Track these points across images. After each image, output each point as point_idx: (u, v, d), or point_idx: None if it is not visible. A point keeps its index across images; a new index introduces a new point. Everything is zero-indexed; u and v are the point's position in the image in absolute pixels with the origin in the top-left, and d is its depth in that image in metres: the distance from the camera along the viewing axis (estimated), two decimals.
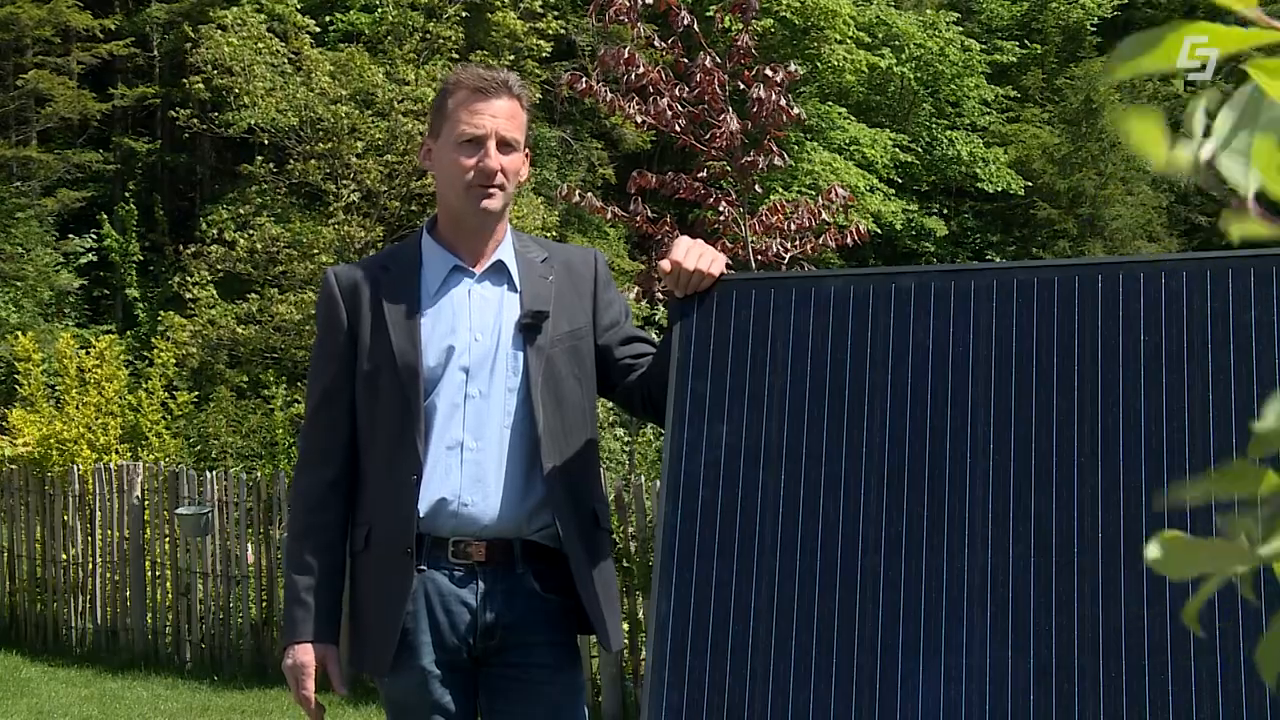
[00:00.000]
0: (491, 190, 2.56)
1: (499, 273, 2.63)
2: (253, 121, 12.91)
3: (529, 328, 2.57)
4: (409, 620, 2.51)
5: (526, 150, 2.66)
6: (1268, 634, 0.63)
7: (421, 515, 2.50)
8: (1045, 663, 2.06)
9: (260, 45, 13.16)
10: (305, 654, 2.54)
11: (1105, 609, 2.06)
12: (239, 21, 13.56)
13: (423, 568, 2.52)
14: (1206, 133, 0.64)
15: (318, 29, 15.12)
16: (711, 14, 8.96)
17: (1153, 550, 0.62)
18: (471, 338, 2.56)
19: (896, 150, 22.60)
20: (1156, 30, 0.62)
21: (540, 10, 18.16)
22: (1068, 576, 2.09)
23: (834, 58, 22.14)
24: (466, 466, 2.52)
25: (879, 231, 20.67)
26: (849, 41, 22.43)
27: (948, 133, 23.69)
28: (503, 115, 2.57)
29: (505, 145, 2.57)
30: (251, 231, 13.32)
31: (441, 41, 13.81)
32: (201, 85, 13.86)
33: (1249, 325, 2.12)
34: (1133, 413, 2.13)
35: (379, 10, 16.69)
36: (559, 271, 2.65)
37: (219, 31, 13.47)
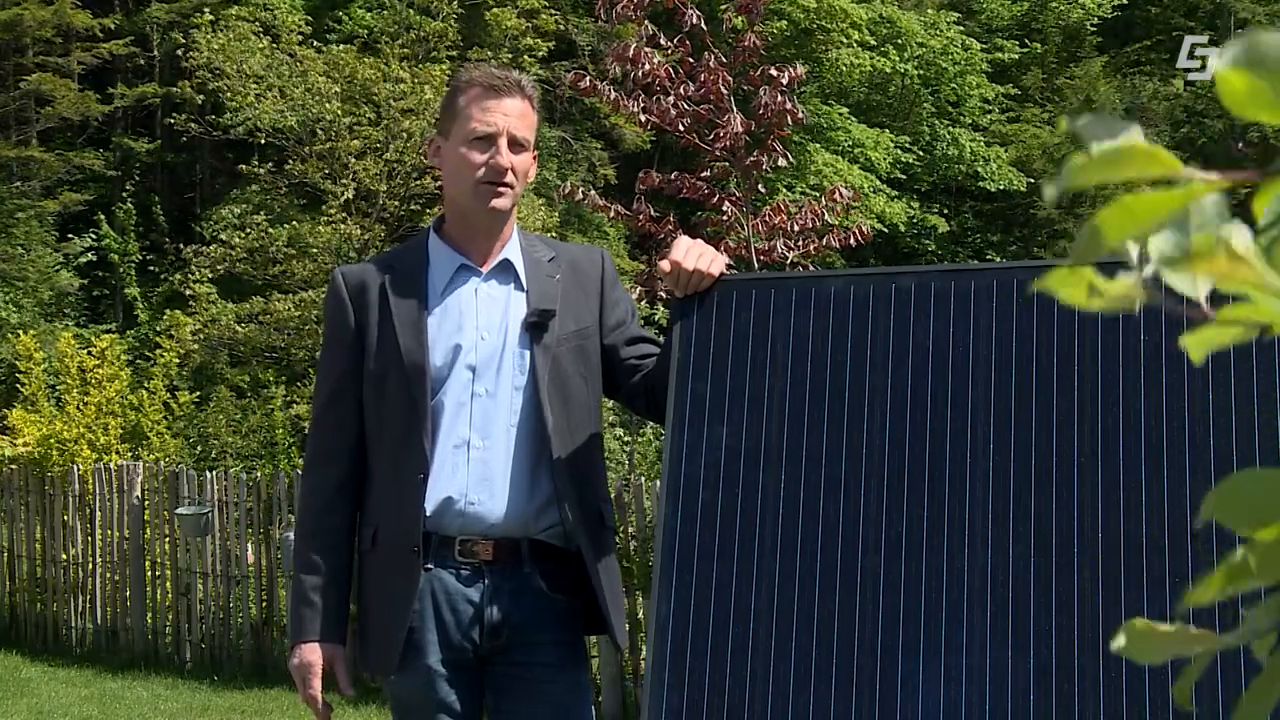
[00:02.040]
0: (501, 189, 2.56)
1: (506, 271, 2.63)
2: (252, 125, 12.91)
3: (536, 326, 2.57)
4: (415, 619, 2.51)
5: (534, 152, 2.67)
6: (1244, 699, 0.62)
7: (428, 514, 2.50)
8: (1045, 663, 2.06)
9: (250, 44, 13.16)
10: (312, 653, 2.54)
11: (1105, 609, 2.06)
12: (224, 25, 13.57)
13: (429, 567, 2.51)
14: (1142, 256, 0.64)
15: (311, 29, 15.12)
16: (720, 14, 8.96)
17: (1119, 640, 0.62)
18: (478, 336, 2.56)
19: (898, 151, 22.61)
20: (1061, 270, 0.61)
21: (538, 6, 18.16)
22: (1068, 576, 2.09)
23: (841, 61, 22.16)
24: (473, 465, 2.52)
25: (885, 230, 20.70)
26: (854, 45, 22.43)
27: (950, 130, 23.70)
28: (514, 114, 2.57)
29: (516, 144, 2.57)
30: (249, 230, 13.32)
31: (436, 39, 13.81)
32: (192, 90, 13.88)
33: None
34: (1133, 413, 2.13)
35: (382, 9, 16.71)
36: (565, 271, 2.65)
37: (208, 35, 13.48)
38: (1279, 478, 0.60)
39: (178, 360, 10.83)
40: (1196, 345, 0.65)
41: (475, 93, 2.57)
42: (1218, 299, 0.63)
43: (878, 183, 21.77)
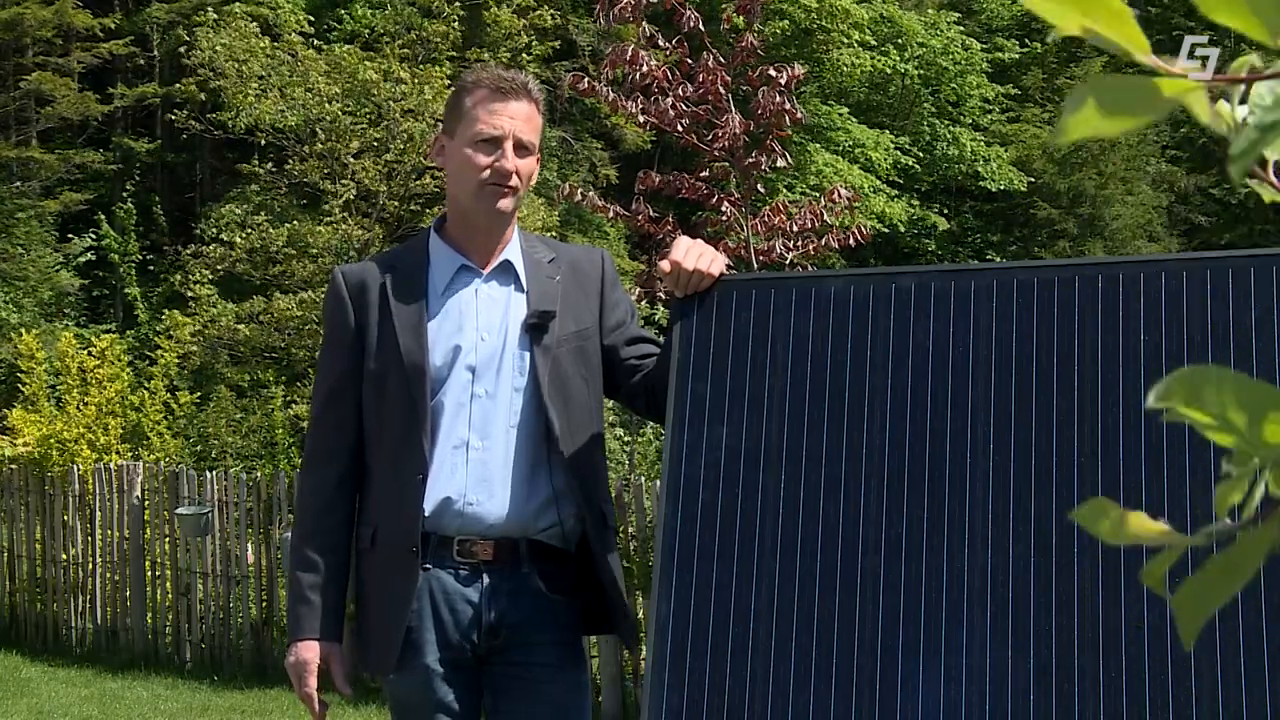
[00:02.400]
0: (505, 191, 2.57)
1: (506, 272, 2.63)
2: (251, 122, 12.90)
3: (536, 328, 2.57)
4: (413, 619, 2.51)
5: (537, 155, 2.67)
6: (1186, 583, 0.61)
7: (427, 514, 2.50)
8: (1045, 663, 2.06)
9: (252, 44, 13.16)
10: (309, 651, 2.54)
11: (1105, 609, 2.06)
12: (226, 24, 13.57)
13: (428, 566, 2.52)
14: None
15: (312, 29, 15.12)
16: (720, 13, 8.97)
17: (1079, 511, 0.61)
18: (478, 337, 2.56)
19: (898, 153, 22.62)
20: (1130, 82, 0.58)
21: (534, 4, 18.15)
22: (1068, 576, 2.09)
23: (842, 61, 22.16)
24: (472, 466, 2.52)
25: (885, 231, 20.71)
26: (855, 46, 22.44)
27: (951, 129, 23.70)
28: (520, 117, 2.57)
29: (521, 148, 2.57)
30: (249, 230, 13.32)
31: (437, 40, 13.80)
32: (195, 88, 13.90)
33: (1249, 325, 2.12)
34: (1133, 413, 2.13)
35: (383, 9, 16.70)
36: (566, 271, 2.65)
37: (210, 32, 13.47)
38: (1227, 373, 0.59)
39: (177, 360, 10.83)
40: (1268, 190, 0.63)
41: (482, 94, 2.57)
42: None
43: (878, 183, 21.77)
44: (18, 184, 20.12)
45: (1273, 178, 0.62)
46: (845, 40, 22.34)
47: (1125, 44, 0.56)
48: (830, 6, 21.80)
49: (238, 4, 16.87)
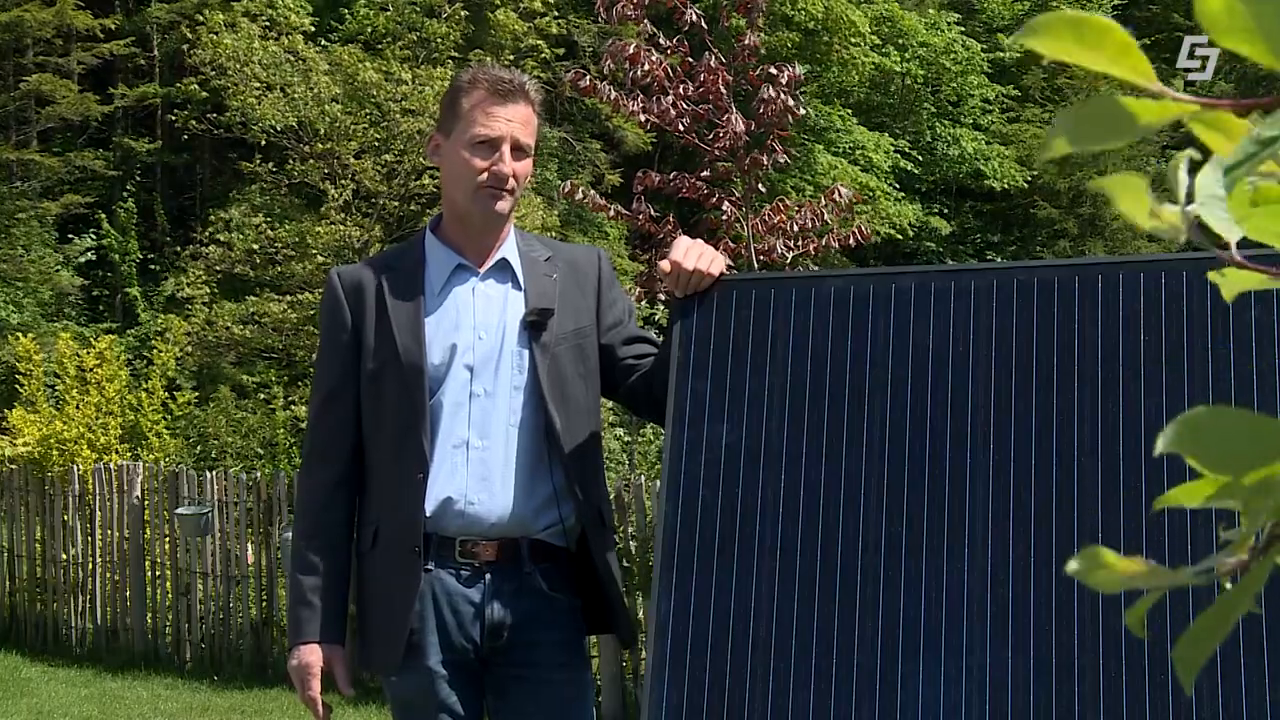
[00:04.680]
0: (501, 193, 2.56)
1: (503, 271, 2.62)
2: (259, 129, 12.90)
3: (534, 326, 2.56)
4: (416, 620, 2.50)
5: (534, 156, 2.66)
6: (1186, 634, 0.60)
7: (428, 514, 2.50)
8: (1045, 663, 2.06)
9: (255, 45, 13.16)
10: (311, 654, 2.53)
11: (1105, 609, 2.06)
12: (230, 24, 13.57)
13: (429, 567, 2.51)
14: (1190, 190, 0.63)
15: (314, 29, 15.11)
16: (719, 13, 8.97)
17: (1073, 563, 0.60)
18: (475, 336, 2.56)
19: (898, 156, 22.64)
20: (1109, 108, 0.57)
21: (540, 9, 18.16)
22: (1068, 576, 2.08)
23: (853, 61, 22.19)
24: (473, 465, 2.52)
25: (898, 236, 20.73)
26: (861, 46, 22.47)
27: (952, 129, 23.70)
28: (518, 120, 2.56)
29: (518, 150, 2.57)
30: (247, 232, 13.32)
31: (439, 40, 13.79)
32: (197, 87, 13.91)
33: (1249, 325, 2.12)
34: (1133, 412, 2.13)
35: (385, 9, 16.69)
36: (563, 270, 2.65)
37: (213, 36, 13.49)
38: (1243, 417, 0.58)
39: (174, 361, 10.83)
40: (1226, 285, 0.63)
41: (480, 95, 2.56)
42: (1249, 245, 0.62)
43: (886, 187, 21.79)
44: (18, 185, 20.13)
45: (1238, 255, 0.62)
46: (851, 43, 22.37)
47: (1133, 76, 0.56)
48: (837, 16, 21.83)
49: (244, 2, 16.88)
